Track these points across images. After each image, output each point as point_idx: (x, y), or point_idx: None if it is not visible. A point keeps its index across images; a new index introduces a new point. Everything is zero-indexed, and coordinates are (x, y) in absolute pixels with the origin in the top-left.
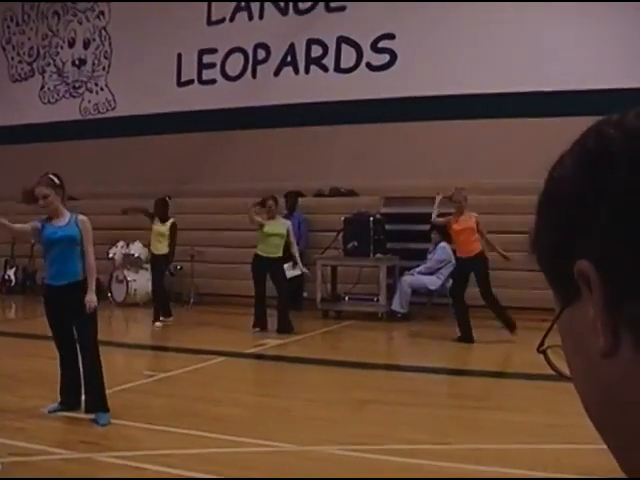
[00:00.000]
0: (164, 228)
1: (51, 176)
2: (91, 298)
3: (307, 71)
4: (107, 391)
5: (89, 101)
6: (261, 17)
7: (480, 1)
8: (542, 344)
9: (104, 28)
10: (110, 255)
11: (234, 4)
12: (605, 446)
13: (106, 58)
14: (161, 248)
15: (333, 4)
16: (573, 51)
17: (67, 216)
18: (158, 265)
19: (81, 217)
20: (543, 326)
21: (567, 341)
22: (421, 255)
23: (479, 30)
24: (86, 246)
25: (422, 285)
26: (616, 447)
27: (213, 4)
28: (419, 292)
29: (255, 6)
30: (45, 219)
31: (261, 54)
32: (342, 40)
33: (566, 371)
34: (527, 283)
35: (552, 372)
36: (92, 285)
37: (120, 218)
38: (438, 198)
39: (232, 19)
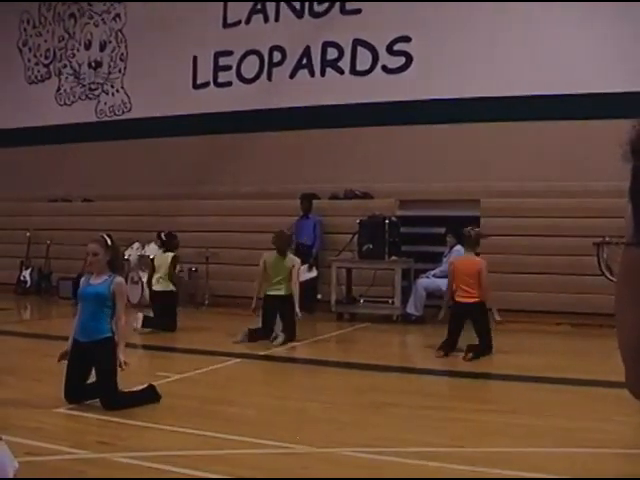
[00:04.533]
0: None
1: (105, 237)
2: (125, 358)
3: (322, 74)
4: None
5: (105, 103)
6: (277, 20)
7: (496, 1)
8: (601, 243)
9: (120, 30)
10: (125, 256)
11: (250, 7)
12: (619, 450)
13: (122, 60)
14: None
15: (349, 6)
16: (594, 53)
17: (105, 276)
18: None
19: (118, 279)
20: (558, 330)
21: (625, 272)
22: (436, 258)
23: (496, 32)
24: (118, 307)
25: (437, 288)
26: None
27: (229, 7)
28: (434, 295)
29: (271, 9)
30: (89, 273)
31: (277, 56)
32: (358, 43)
33: (607, 273)
34: (541, 287)
35: (567, 376)
36: (122, 346)
37: (135, 219)
38: None
39: (248, 21)
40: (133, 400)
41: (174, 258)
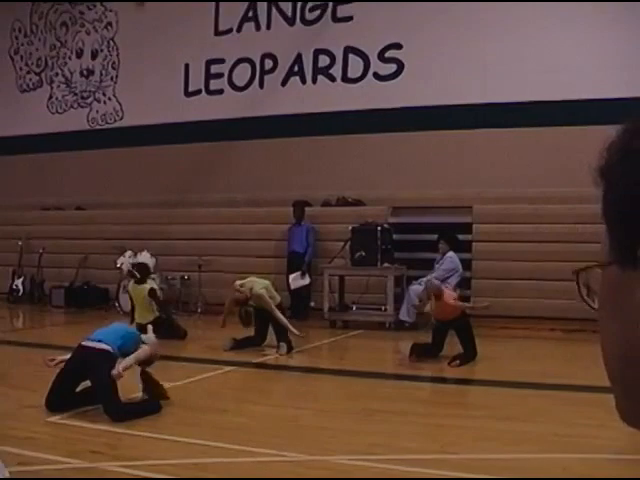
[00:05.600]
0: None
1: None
2: (119, 371)
3: (314, 81)
4: None
5: (97, 111)
6: (268, 27)
7: (488, 1)
8: (580, 270)
9: (112, 39)
10: (118, 264)
11: (241, 14)
12: (613, 456)
13: (114, 68)
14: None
15: (340, 14)
16: (581, 60)
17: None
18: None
19: (154, 340)
20: (551, 336)
21: (606, 294)
22: (428, 265)
23: (486, 39)
24: (142, 348)
25: None
26: (633, 405)
27: (220, 14)
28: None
29: (262, 16)
30: None
31: (268, 64)
32: (349, 50)
33: (590, 301)
34: (534, 293)
35: (561, 382)
36: (125, 364)
37: (128, 228)
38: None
39: (239, 29)
40: (138, 411)
41: (152, 292)
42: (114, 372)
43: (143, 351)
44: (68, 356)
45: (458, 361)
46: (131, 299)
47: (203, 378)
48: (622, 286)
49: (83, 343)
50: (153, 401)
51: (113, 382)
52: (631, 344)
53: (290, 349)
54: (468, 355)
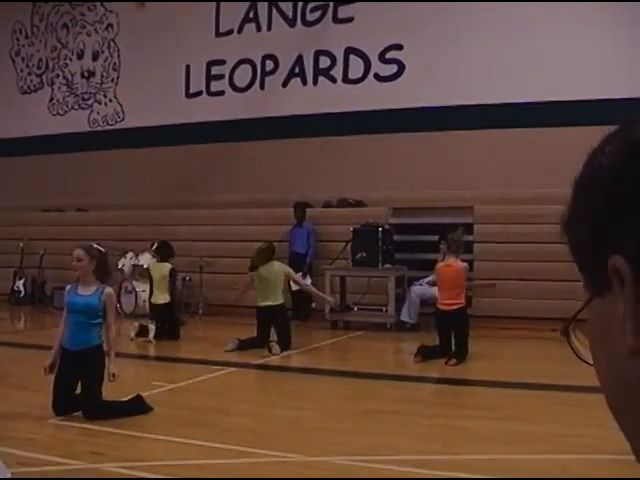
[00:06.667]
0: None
1: (95, 245)
2: (115, 370)
3: (315, 82)
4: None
5: (98, 113)
6: (269, 29)
7: (488, 1)
8: (567, 328)
9: (113, 40)
10: (119, 266)
11: (242, 16)
12: (614, 456)
13: (115, 70)
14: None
15: (341, 15)
16: (581, 60)
17: (94, 287)
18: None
19: (108, 290)
20: (552, 336)
21: (594, 331)
22: (430, 265)
23: (487, 40)
24: (109, 318)
25: (431, 295)
26: (633, 435)
27: (221, 15)
28: (428, 303)
29: (263, 18)
30: (76, 282)
31: (269, 65)
32: (350, 51)
33: (587, 356)
34: (535, 293)
35: (562, 383)
36: (112, 357)
37: (129, 229)
38: None
39: (240, 31)
40: (116, 410)
41: (172, 271)
42: (109, 375)
43: (111, 310)
44: (52, 356)
45: (454, 360)
46: (150, 279)
47: (205, 379)
48: (604, 315)
49: (72, 349)
50: (140, 402)
51: (100, 380)
52: (618, 368)
53: (283, 349)
54: (461, 355)
